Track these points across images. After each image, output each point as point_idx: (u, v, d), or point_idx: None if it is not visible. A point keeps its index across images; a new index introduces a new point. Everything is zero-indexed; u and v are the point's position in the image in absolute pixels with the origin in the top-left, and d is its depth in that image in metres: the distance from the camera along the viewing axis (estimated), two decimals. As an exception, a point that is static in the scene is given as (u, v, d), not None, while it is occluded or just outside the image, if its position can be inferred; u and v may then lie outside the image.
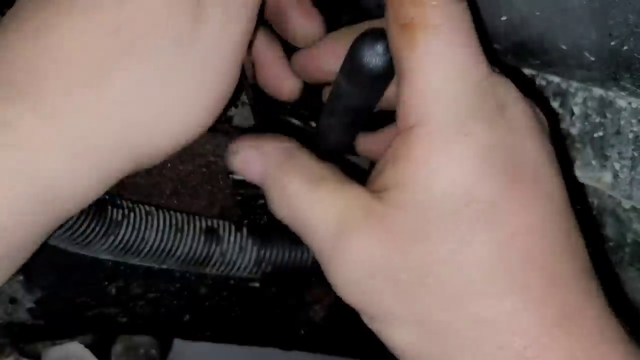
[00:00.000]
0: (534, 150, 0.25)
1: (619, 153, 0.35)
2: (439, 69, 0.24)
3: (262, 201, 0.49)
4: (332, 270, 0.26)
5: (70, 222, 0.38)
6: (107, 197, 0.40)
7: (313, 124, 0.48)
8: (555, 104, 0.38)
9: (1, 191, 0.23)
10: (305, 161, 0.28)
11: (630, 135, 0.34)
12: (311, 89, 0.46)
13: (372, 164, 0.45)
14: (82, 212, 0.39)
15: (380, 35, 0.29)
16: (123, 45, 0.24)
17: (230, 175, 0.43)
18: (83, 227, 0.39)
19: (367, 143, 0.38)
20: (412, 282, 0.24)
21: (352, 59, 0.29)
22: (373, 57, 0.28)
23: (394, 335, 0.25)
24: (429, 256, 0.24)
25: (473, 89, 0.24)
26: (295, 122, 0.48)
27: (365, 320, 0.27)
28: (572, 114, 0.37)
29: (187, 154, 0.45)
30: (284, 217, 0.28)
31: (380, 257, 0.24)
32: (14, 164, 0.23)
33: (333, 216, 0.25)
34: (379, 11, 0.41)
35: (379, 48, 0.28)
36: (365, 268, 0.24)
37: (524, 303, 0.23)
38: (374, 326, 0.26)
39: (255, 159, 0.29)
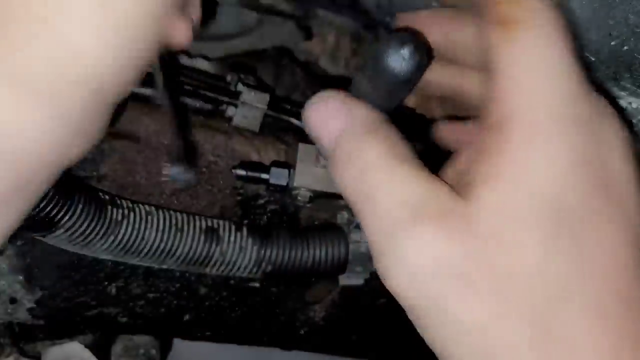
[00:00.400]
0: (620, 167, 0.24)
1: (619, 153, 0.35)
2: (538, 67, 0.24)
3: (262, 201, 0.49)
4: (392, 261, 0.24)
5: (70, 222, 0.38)
6: (107, 197, 0.40)
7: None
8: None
9: None
10: (393, 135, 0.26)
11: (631, 136, 0.34)
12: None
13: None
14: (81, 212, 0.39)
15: (406, 39, 0.28)
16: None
17: (233, 171, 0.43)
18: (83, 227, 0.39)
19: (448, 131, 0.36)
20: (490, 289, 0.22)
21: (377, 62, 0.28)
22: (399, 61, 0.28)
23: (453, 342, 0.23)
24: (511, 263, 0.22)
25: (569, 92, 0.24)
26: (296, 122, 0.48)
27: (415, 319, 0.24)
28: (572, 114, 0.37)
29: (187, 154, 0.45)
30: (349, 186, 0.26)
31: (456, 258, 0.22)
32: None
33: (409, 201, 0.24)
34: (379, 11, 0.41)
35: (405, 52, 0.28)
36: (434, 265, 0.23)
37: (601, 326, 0.22)
38: (426, 326, 0.24)
39: (341, 114, 0.27)
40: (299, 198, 0.43)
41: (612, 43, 0.28)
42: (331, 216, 0.50)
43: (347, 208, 0.47)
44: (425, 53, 0.28)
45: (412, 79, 0.29)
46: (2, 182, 0.22)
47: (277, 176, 0.42)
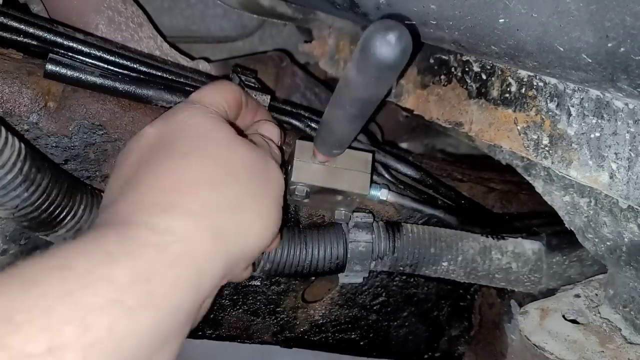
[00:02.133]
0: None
1: (616, 153, 0.35)
2: None
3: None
4: None
5: (73, 222, 0.38)
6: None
7: (314, 125, 0.49)
8: (552, 105, 0.39)
9: (176, 273, 0.29)
10: None
11: (627, 136, 0.34)
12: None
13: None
14: (84, 211, 0.39)
15: (392, 25, 0.29)
16: (226, 175, 0.34)
17: None
18: (85, 227, 0.39)
19: None
20: None
21: (363, 49, 0.29)
22: (384, 46, 0.28)
23: None
24: None
25: None
26: (296, 123, 0.49)
27: None
28: (569, 115, 0.38)
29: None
30: None
31: None
32: (179, 252, 0.30)
33: None
34: (378, 14, 0.42)
35: (391, 38, 0.28)
36: None
37: None
38: None
39: None
40: (296, 193, 0.43)
41: (609, 45, 0.28)
42: (331, 215, 0.50)
43: (345, 204, 0.47)
44: (410, 39, 0.29)
45: (397, 65, 0.29)
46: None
47: None
